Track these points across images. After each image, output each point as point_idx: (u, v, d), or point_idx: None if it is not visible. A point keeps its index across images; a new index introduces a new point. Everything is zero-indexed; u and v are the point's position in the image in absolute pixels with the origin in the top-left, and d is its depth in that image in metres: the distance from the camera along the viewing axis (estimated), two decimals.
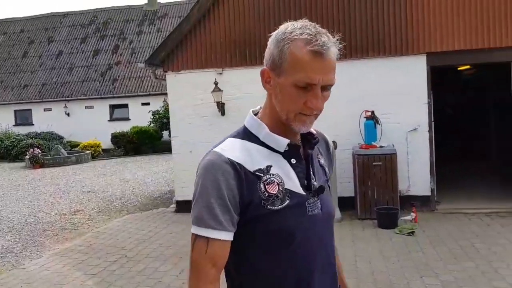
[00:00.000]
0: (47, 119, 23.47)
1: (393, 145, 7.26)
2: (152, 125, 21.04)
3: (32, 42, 26.89)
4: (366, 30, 7.50)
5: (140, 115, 22.06)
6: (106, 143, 21.36)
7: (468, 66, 10.10)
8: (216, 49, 8.10)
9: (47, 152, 19.03)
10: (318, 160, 1.45)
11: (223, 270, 1.35)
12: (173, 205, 8.63)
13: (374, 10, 7.46)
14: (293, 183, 1.33)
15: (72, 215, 8.95)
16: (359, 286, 4.61)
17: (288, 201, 1.31)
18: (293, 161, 1.35)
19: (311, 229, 1.35)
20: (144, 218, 8.12)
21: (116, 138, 20.95)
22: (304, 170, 1.36)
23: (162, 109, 20.52)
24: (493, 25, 7.06)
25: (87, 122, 22.89)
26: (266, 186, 1.30)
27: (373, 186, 6.97)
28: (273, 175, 1.31)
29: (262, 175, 1.31)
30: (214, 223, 1.26)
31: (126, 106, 23.35)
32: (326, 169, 1.48)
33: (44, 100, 23.99)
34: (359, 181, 7.04)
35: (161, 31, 25.03)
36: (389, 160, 6.96)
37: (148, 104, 22.40)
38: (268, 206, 1.29)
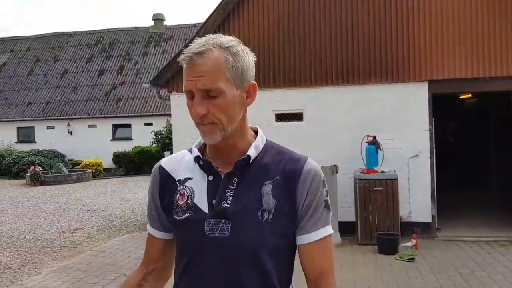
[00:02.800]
0: (49, 137, 23.56)
1: (394, 170, 7.27)
2: (154, 145, 21.11)
3: (38, 60, 27.18)
4: (368, 56, 7.60)
5: (142, 135, 22.14)
6: (107, 162, 21.41)
7: (469, 95, 10.18)
8: None
9: (48, 169, 19.05)
10: (262, 186, 1.30)
11: None
12: None
13: (377, 36, 7.58)
14: (200, 199, 1.32)
15: (72, 233, 8.93)
16: None
17: (188, 214, 1.31)
18: (210, 178, 1.33)
19: (206, 252, 1.29)
20: (143, 238, 8.03)
21: (118, 158, 21.01)
22: (216, 188, 1.31)
23: (165, 129, 20.63)
24: (494, 54, 7.17)
25: (90, 141, 22.95)
26: (179, 197, 1.35)
27: (374, 211, 6.96)
28: (186, 187, 1.35)
29: (178, 185, 1.37)
30: (149, 219, 1.48)
31: (129, 126, 23.48)
32: (267, 198, 1.28)
33: (47, 118, 24.12)
34: (360, 206, 7.04)
35: (166, 53, 25.32)
36: (390, 185, 6.97)
37: (151, 124, 22.51)
38: (174, 215, 1.35)
